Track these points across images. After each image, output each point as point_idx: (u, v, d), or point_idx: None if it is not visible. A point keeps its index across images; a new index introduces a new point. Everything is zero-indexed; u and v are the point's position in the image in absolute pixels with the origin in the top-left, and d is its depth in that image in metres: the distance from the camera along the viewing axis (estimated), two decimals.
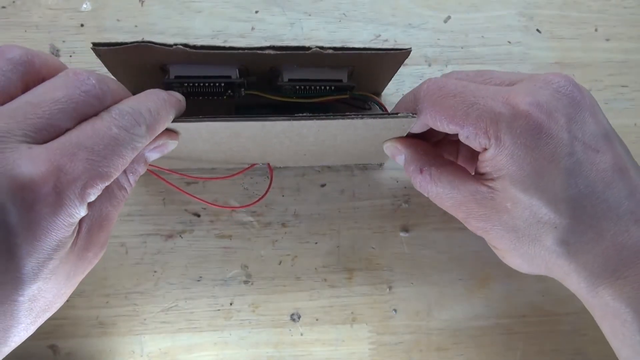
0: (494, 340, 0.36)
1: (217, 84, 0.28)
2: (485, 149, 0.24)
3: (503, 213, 0.24)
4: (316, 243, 0.35)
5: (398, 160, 0.28)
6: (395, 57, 0.28)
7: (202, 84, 0.28)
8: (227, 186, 0.35)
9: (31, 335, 0.33)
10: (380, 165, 0.36)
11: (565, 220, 0.23)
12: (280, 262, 0.35)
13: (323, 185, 0.36)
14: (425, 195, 0.27)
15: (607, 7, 0.38)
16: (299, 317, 0.35)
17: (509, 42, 0.37)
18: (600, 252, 0.23)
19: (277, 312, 0.35)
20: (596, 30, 0.38)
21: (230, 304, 0.35)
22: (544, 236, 0.23)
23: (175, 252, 0.34)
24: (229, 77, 0.27)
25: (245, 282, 0.35)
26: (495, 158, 0.23)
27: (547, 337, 0.36)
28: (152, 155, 0.25)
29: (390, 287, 0.35)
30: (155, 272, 0.34)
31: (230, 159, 0.32)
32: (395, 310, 0.36)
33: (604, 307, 0.24)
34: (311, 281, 0.35)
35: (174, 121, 0.24)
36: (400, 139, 0.28)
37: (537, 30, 0.38)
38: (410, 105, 0.26)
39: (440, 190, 0.26)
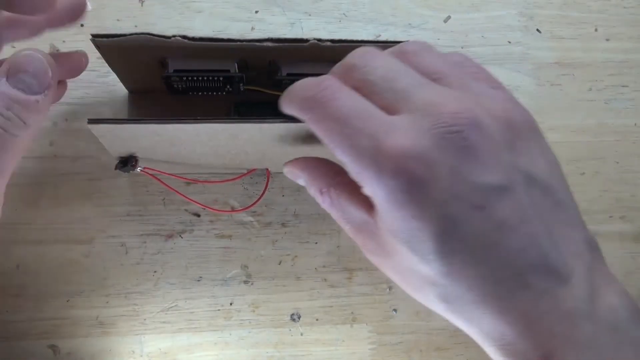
0: None
1: (216, 78, 0.28)
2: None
3: (388, 255, 0.23)
4: (316, 243, 0.35)
5: (300, 182, 0.27)
6: None
7: (201, 78, 0.28)
8: (227, 186, 0.35)
9: (31, 335, 0.33)
10: None
11: (442, 280, 0.21)
12: (280, 262, 0.35)
13: None
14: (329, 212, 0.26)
15: (607, 7, 0.38)
16: (299, 317, 0.35)
17: (509, 42, 0.37)
18: (483, 315, 0.21)
19: (277, 312, 0.35)
20: (596, 30, 0.38)
21: (230, 304, 0.35)
22: (426, 289, 0.22)
23: (175, 252, 0.34)
24: (228, 71, 0.27)
25: (245, 282, 0.35)
26: (373, 203, 0.22)
27: None
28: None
29: (390, 287, 0.35)
30: (155, 272, 0.34)
31: (229, 163, 0.32)
32: (395, 310, 0.36)
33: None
34: (311, 281, 0.35)
35: (172, 123, 0.24)
36: (297, 161, 0.26)
37: (537, 30, 0.38)
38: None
39: (338, 214, 0.25)
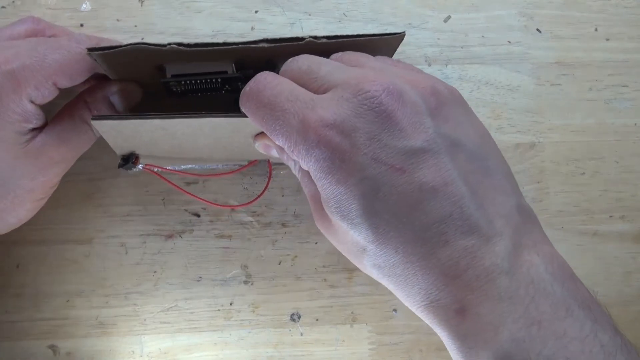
0: None
1: (214, 80, 0.28)
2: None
3: (331, 225, 0.24)
4: (316, 243, 0.35)
5: (272, 154, 0.28)
6: (388, 42, 0.27)
7: (199, 81, 0.28)
8: (227, 186, 0.35)
9: (31, 335, 0.33)
10: None
11: (371, 245, 0.22)
12: (280, 262, 0.35)
13: None
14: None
15: (607, 7, 0.38)
16: (299, 317, 0.35)
17: (509, 42, 0.37)
18: (409, 275, 0.22)
19: (277, 312, 0.35)
20: (596, 30, 0.38)
21: (230, 304, 0.35)
22: (361, 256, 0.23)
23: (175, 252, 0.34)
24: (225, 72, 0.27)
25: (245, 282, 0.35)
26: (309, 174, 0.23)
27: None
28: (115, 100, 0.28)
29: None
30: (155, 272, 0.34)
31: (231, 155, 0.32)
32: (395, 310, 0.36)
33: (431, 327, 0.23)
34: (311, 281, 0.35)
35: (176, 118, 0.25)
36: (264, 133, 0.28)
37: (537, 30, 0.38)
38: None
39: (303, 180, 0.26)
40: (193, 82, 0.28)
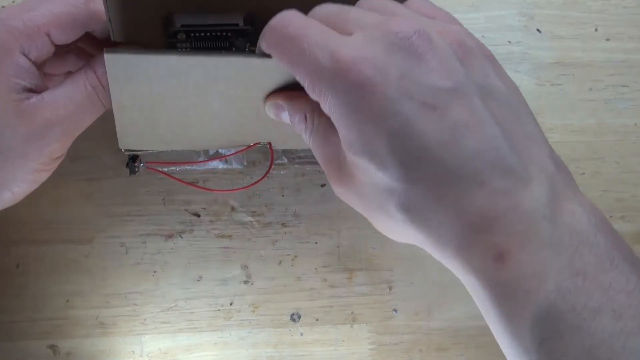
0: (493, 340, 0.36)
1: (224, 34, 0.27)
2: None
3: (352, 177, 0.23)
4: (316, 243, 0.35)
5: (283, 118, 0.27)
6: None
7: (208, 34, 0.27)
8: (227, 186, 0.35)
9: (31, 335, 0.33)
10: None
11: (400, 185, 0.20)
12: (280, 262, 0.35)
13: (323, 185, 0.36)
14: (309, 146, 0.26)
15: (607, 7, 0.38)
16: (299, 317, 0.35)
17: (509, 42, 0.37)
18: (442, 218, 0.20)
19: (277, 312, 0.35)
20: (596, 30, 0.38)
21: (230, 304, 0.35)
22: (387, 203, 0.21)
23: (175, 252, 0.34)
24: (237, 24, 0.27)
25: (245, 282, 0.35)
26: (329, 117, 0.22)
27: None
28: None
29: (390, 287, 0.35)
30: (155, 272, 0.34)
31: (235, 136, 0.31)
32: (395, 310, 0.36)
33: (462, 278, 0.21)
34: (311, 281, 0.35)
35: (194, 55, 0.25)
36: (279, 92, 0.27)
37: (537, 30, 0.38)
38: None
39: (316, 142, 0.25)
40: (202, 34, 0.27)
